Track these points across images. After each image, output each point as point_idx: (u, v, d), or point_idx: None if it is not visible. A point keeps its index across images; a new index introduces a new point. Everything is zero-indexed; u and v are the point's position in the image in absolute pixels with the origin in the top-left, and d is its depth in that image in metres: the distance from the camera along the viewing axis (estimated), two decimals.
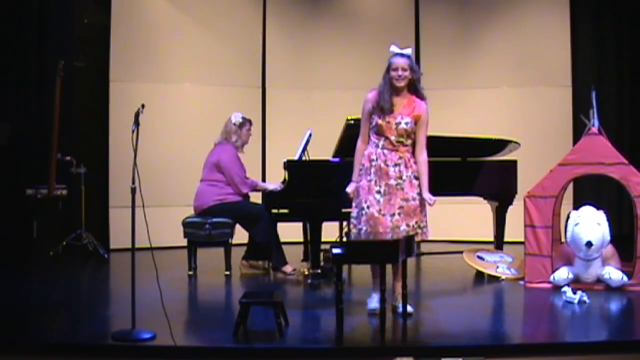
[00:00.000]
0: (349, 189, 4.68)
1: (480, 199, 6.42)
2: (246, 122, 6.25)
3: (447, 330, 4.25)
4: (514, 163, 6.26)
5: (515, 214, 6.14)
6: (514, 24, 8.32)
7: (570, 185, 6.45)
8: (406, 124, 4.56)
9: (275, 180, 6.25)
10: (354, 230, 4.64)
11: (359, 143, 4.70)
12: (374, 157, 4.60)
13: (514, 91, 8.28)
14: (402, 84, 4.55)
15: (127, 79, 7.66)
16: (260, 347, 3.95)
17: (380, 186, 4.56)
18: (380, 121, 4.56)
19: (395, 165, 4.57)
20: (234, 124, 6.19)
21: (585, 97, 6.73)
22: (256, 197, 6.35)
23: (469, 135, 6.28)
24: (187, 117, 7.85)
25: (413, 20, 8.51)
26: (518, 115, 8.15)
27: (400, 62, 4.54)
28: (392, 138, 4.57)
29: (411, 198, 4.58)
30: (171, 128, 7.77)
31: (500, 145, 6.26)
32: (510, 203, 6.29)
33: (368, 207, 4.56)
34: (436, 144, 6.09)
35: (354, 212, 4.67)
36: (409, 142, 4.62)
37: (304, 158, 6.11)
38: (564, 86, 8.16)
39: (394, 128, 4.55)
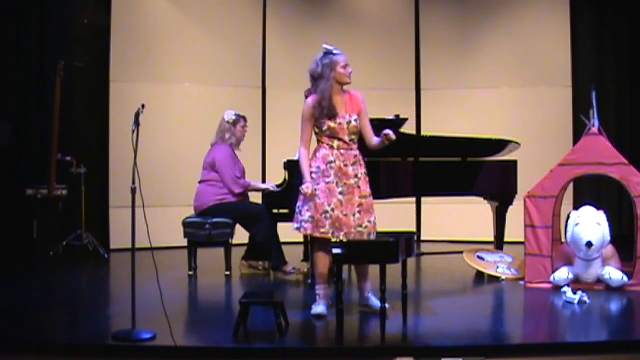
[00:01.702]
0: (307, 188, 4.48)
1: (480, 199, 6.42)
2: (240, 118, 6.23)
3: (447, 330, 4.24)
4: (514, 163, 6.26)
5: (515, 214, 6.14)
6: (514, 24, 8.31)
7: (570, 185, 6.45)
8: (355, 120, 4.58)
9: (275, 180, 6.23)
10: (308, 232, 4.55)
11: (301, 149, 4.60)
12: (331, 158, 4.56)
13: (514, 91, 8.27)
14: (351, 80, 4.58)
15: (127, 79, 7.66)
16: (260, 347, 3.95)
17: (341, 186, 4.56)
18: (331, 124, 4.54)
19: (353, 164, 4.59)
20: (227, 121, 6.17)
21: (585, 97, 6.73)
22: (256, 197, 6.35)
23: (469, 136, 6.28)
24: (187, 117, 7.84)
25: (413, 20, 8.51)
26: (518, 115, 8.14)
27: (345, 58, 4.57)
28: (346, 138, 4.58)
29: (368, 194, 4.63)
30: (171, 128, 7.77)
31: (500, 145, 6.25)
32: (510, 203, 6.29)
33: (332, 210, 4.52)
34: (436, 144, 6.14)
35: (305, 214, 4.53)
36: (357, 138, 4.64)
37: None
38: (564, 86, 8.16)
39: (345, 128, 4.56)
